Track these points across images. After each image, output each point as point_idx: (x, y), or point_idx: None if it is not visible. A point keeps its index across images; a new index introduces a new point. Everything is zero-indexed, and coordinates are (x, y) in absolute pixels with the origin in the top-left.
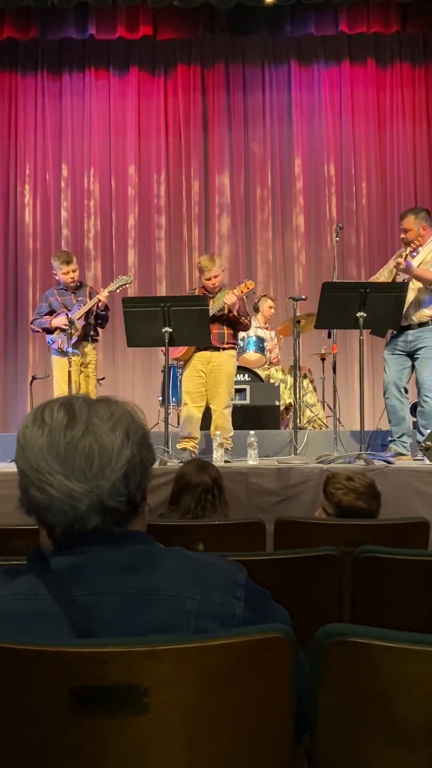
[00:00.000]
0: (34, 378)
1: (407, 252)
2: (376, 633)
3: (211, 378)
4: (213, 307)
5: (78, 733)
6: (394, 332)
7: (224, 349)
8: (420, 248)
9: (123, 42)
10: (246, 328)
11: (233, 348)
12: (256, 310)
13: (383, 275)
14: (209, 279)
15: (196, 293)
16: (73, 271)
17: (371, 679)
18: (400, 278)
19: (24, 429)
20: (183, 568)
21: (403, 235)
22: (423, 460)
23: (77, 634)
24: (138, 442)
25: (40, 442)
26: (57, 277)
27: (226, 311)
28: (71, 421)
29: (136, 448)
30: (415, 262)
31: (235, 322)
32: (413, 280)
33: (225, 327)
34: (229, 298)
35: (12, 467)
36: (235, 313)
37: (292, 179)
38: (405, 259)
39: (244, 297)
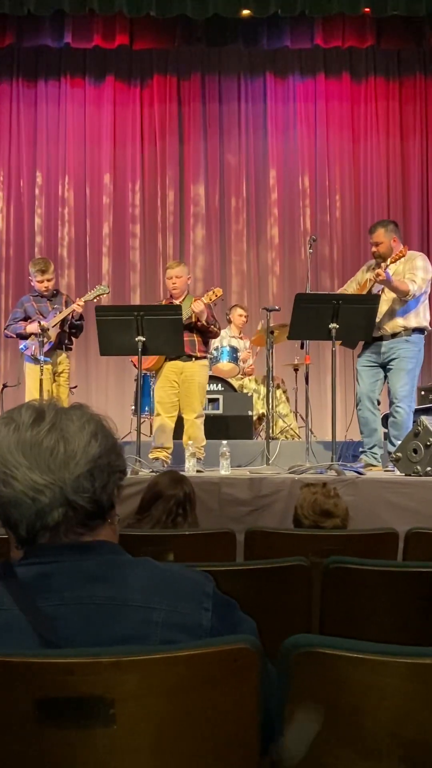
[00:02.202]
0: (5, 386)
1: (388, 263)
2: (344, 644)
3: (183, 388)
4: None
5: (43, 745)
6: (365, 343)
7: (197, 358)
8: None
9: (99, 51)
10: (215, 335)
11: (204, 357)
12: (229, 321)
13: (351, 287)
14: (170, 278)
15: (163, 302)
16: (48, 280)
17: (338, 690)
18: (375, 289)
19: None
20: (150, 578)
21: (374, 249)
22: (393, 471)
23: (43, 645)
24: (107, 447)
25: (7, 439)
26: (32, 284)
27: (194, 319)
28: (38, 419)
29: (104, 450)
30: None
31: (204, 331)
32: (386, 291)
33: (195, 335)
34: (196, 306)
35: None
36: (203, 321)
37: (266, 191)
38: (384, 269)
39: (212, 305)
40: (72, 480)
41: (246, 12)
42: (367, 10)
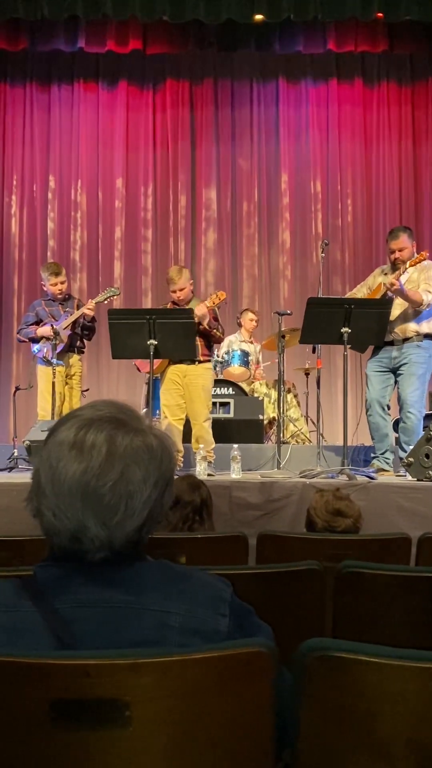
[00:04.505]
0: (17, 388)
1: (407, 266)
2: (359, 648)
3: (187, 392)
4: None
5: (59, 747)
6: (375, 347)
7: (199, 362)
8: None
9: (112, 55)
10: (219, 340)
11: (208, 361)
12: (239, 324)
13: (361, 291)
14: (174, 292)
15: (167, 307)
16: (62, 282)
17: (353, 694)
18: (390, 294)
19: (60, 446)
20: (168, 582)
21: (397, 255)
22: (405, 476)
23: (60, 647)
24: (162, 488)
25: (71, 473)
26: (45, 288)
27: (197, 321)
28: (109, 461)
29: (158, 496)
30: (402, 280)
31: (207, 335)
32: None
33: (198, 339)
34: (199, 309)
35: None
36: (205, 325)
37: (278, 195)
38: (398, 278)
39: (217, 309)
40: (122, 536)
41: (259, 17)
42: (379, 14)
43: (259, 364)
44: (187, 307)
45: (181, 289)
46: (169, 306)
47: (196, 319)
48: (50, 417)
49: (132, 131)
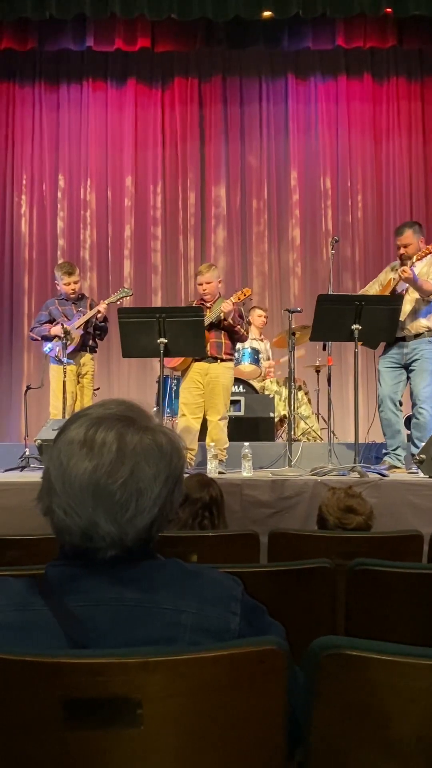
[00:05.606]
0: (28, 387)
1: (414, 260)
2: (370, 645)
3: (208, 390)
4: (210, 316)
5: (71, 746)
6: (387, 344)
7: (222, 360)
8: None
9: (121, 54)
10: (243, 338)
11: (231, 360)
12: (249, 323)
13: (373, 288)
14: (200, 284)
15: (194, 304)
16: (75, 282)
17: (365, 692)
18: (399, 288)
19: (70, 444)
20: (179, 580)
21: (402, 251)
22: (417, 472)
23: (72, 645)
24: (172, 485)
25: (82, 471)
26: (58, 287)
27: (222, 317)
28: (119, 459)
29: (169, 492)
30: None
31: (231, 331)
32: (409, 292)
33: (223, 337)
34: (225, 306)
35: (4, 478)
36: (230, 321)
37: (288, 192)
38: (410, 267)
39: (242, 306)
40: (134, 533)
41: (267, 13)
42: (388, 10)
43: (270, 361)
44: (209, 305)
45: (207, 282)
46: (196, 303)
47: (222, 315)
48: (62, 416)
49: (141, 129)
